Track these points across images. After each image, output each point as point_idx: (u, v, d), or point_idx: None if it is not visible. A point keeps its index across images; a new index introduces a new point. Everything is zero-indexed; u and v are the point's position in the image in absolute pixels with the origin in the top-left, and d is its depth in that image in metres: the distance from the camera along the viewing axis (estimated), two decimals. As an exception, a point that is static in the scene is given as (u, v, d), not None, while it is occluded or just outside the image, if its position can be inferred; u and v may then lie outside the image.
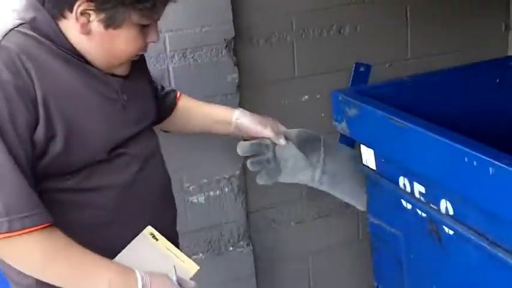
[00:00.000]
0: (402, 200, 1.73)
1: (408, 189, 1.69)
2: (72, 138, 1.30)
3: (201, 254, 2.30)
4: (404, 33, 2.48)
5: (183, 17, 2.07)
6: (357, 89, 1.92)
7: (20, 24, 1.31)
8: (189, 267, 1.50)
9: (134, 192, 1.44)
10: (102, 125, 1.37)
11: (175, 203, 1.68)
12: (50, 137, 1.28)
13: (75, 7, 1.29)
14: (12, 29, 1.29)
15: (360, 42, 2.40)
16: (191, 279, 1.48)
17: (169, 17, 2.01)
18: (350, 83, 2.02)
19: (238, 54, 2.20)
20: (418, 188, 1.65)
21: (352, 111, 1.76)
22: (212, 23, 2.11)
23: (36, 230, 1.22)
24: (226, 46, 2.15)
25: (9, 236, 1.20)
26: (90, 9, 1.30)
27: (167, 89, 1.82)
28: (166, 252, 1.48)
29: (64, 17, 1.32)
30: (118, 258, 1.40)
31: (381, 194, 1.83)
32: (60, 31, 1.33)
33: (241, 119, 1.77)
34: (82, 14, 1.30)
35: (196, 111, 1.81)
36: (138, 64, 1.54)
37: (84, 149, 1.33)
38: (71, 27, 1.32)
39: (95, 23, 1.32)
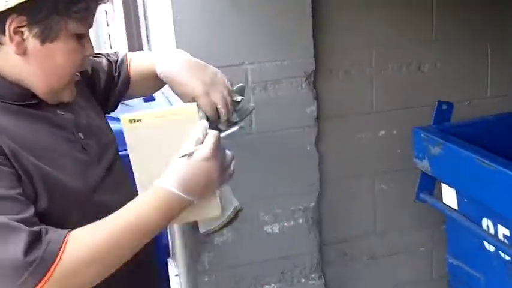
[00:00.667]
0: (485, 242, 1.70)
1: (492, 231, 1.66)
2: (51, 190, 1.21)
3: (273, 284, 2.31)
4: (484, 71, 2.45)
5: (265, 50, 2.11)
6: (440, 127, 1.91)
7: None
8: (189, 112, 1.25)
9: None
10: (73, 174, 1.27)
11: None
12: (34, 193, 1.19)
13: (6, 26, 1.19)
14: None
15: (439, 79, 2.38)
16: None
17: (252, 49, 2.08)
18: (432, 121, 2.00)
19: (317, 86, 2.23)
20: (502, 231, 1.62)
21: (435, 150, 1.75)
22: (293, 56, 2.14)
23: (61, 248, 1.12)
24: (306, 79, 2.18)
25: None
26: (23, 25, 1.20)
27: (116, 65, 1.65)
28: (162, 123, 1.23)
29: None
30: (137, 174, 1.25)
31: (461, 234, 1.80)
32: (2, 79, 1.24)
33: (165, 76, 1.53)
34: (15, 32, 1.20)
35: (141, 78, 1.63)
36: (79, 91, 1.43)
37: (65, 201, 1.23)
38: (7, 54, 1.22)
39: (30, 40, 1.21)
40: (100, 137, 1.41)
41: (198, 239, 2.20)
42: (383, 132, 2.37)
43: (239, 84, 1.55)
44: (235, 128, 1.40)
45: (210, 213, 1.30)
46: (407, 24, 2.29)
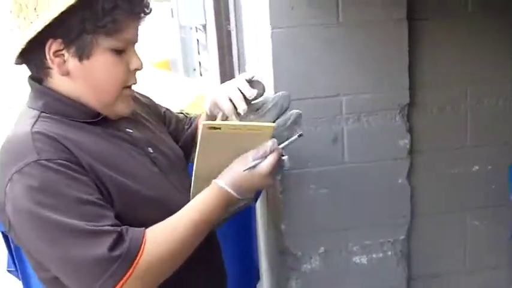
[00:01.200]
0: None
1: None
2: (122, 197, 1.33)
3: (359, 315, 2.31)
4: None
5: (360, 82, 2.14)
6: (538, 164, 1.87)
7: (37, 115, 1.35)
8: (264, 131, 1.38)
9: None
10: (145, 184, 1.39)
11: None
12: (110, 199, 1.31)
13: (46, 51, 1.30)
14: (36, 121, 1.33)
15: (537, 115, 2.34)
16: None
17: (347, 81, 2.12)
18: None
19: (411, 119, 2.23)
20: None
21: (534, 187, 1.72)
22: (388, 89, 2.17)
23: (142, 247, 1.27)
24: (400, 112, 2.19)
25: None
26: (62, 48, 1.31)
27: (185, 120, 1.81)
28: (237, 133, 1.35)
29: (49, 71, 1.35)
30: (196, 167, 1.39)
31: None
32: (67, 98, 1.36)
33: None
34: (56, 55, 1.31)
35: None
36: (144, 109, 1.60)
37: (138, 208, 1.36)
38: (57, 76, 1.35)
39: (70, 60, 1.32)
40: (166, 150, 1.53)
41: (285, 265, 2.24)
42: (477, 167, 2.34)
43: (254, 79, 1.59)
44: (295, 137, 1.47)
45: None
46: (503, 60, 2.27)
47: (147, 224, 1.32)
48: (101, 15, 1.29)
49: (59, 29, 1.28)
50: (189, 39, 6.73)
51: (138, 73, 1.46)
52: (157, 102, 1.78)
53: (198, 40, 5.43)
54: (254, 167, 1.37)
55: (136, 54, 1.40)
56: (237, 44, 3.59)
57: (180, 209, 1.37)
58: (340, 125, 2.16)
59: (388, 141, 2.20)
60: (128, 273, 1.23)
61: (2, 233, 1.95)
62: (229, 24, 3.64)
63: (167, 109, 1.80)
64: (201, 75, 5.36)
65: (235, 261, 2.07)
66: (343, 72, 2.13)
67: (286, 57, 2.08)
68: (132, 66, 1.39)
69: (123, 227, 1.27)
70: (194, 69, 7.29)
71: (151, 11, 1.43)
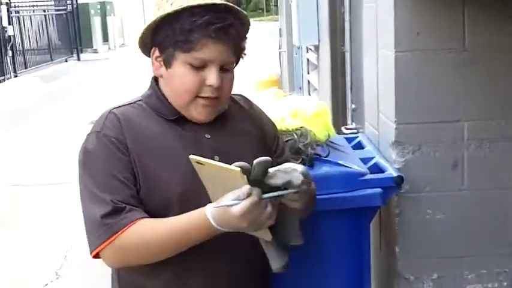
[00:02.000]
0: None
1: None
2: (149, 185, 1.56)
3: None
4: None
5: (483, 109, 2.12)
6: None
7: (137, 100, 1.66)
8: (233, 174, 1.42)
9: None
10: (180, 179, 1.57)
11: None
12: (138, 182, 1.56)
13: (151, 54, 1.62)
14: (127, 104, 1.65)
15: None
16: None
17: (470, 107, 2.11)
18: None
19: (534, 148, 2.18)
20: None
21: None
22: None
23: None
24: (524, 140, 2.14)
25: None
26: (159, 55, 1.60)
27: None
28: (215, 171, 1.45)
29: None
30: (210, 194, 1.48)
31: None
32: (164, 98, 1.62)
33: None
34: (156, 60, 1.61)
35: None
36: (249, 129, 1.69)
37: (160, 197, 1.57)
38: (160, 80, 1.65)
39: (162, 66, 1.60)
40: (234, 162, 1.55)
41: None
42: None
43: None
44: (286, 192, 1.47)
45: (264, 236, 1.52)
46: None
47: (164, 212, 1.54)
48: (179, 33, 1.53)
49: (156, 39, 1.58)
50: (298, 59, 6.81)
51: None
52: (273, 125, 1.82)
53: (307, 59, 5.50)
54: (230, 205, 1.42)
55: (214, 72, 1.55)
56: (351, 64, 3.62)
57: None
58: (460, 151, 2.14)
59: (510, 169, 2.16)
60: (107, 242, 1.50)
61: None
62: (343, 45, 3.68)
63: (280, 138, 1.86)
64: (309, 94, 5.42)
65: (344, 280, 2.09)
66: (466, 98, 2.11)
67: (409, 80, 2.10)
68: (208, 83, 1.56)
69: (129, 206, 1.52)
70: (300, 88, 7.38)
71: (235, 36, 1.56)
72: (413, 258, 2.21)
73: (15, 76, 14.51)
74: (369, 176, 2.01)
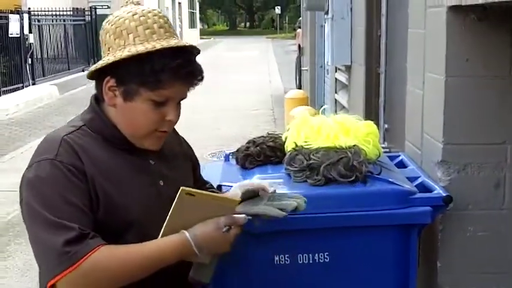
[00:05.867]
0: None
1: None
2: (108, 210, 1.57)
3: None
4: None
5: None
6: None
7: (81, 125, 1.65)
8: (230, 204, 1.60)
9: None
10: (136, 206, 1.61)
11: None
12: (96, 208, 1.55)
13: (104, 84, 1.60)
14: (74, 130, 1.63)
15: None
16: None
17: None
18: None
19: None
20: None
21: None
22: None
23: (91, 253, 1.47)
24: None
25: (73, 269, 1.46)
26: (114, 85, 1.59)
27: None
28: (207, 202, 1.58)
29: (103, 98, 1.63)
30: (167, 223, 1.55)
31: None
32: (109, 122, 1.64)
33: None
34: (109, 89, 1.60)
35: None
36: (182, 152, 1.82)
37: (117, 222, 1.58)
38: (108, 106, 1.64)
39: (118, 97, 1.60)
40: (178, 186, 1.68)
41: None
42: None
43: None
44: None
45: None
46: None
47: (120, 239, 1.57)
48: (148, 73, 1.55)
49: (116, 71, 1.59)
50: (321, 77, 6.96)
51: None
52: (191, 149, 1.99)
53: (336, 79, 5.63)
54: (227, 230, 1.59)
55: (174, 108, 1.64)
56: (385, 85, 3.74)
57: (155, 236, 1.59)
58: (503, 172, 2.25)
59: None
60: (69, 269, 1.45)
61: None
62: (378, 66, 3.80)
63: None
64: (335, 113, 5.53)
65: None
66: (510, 121, 2.22)
67: (457, 103, 2.22)
68: (167, 118, 1.64)
69: (93, 233, 1.51)
70: (321, 106, 7.49)
71: (203, 78, 1.67)
72: (454, 274, 2.31)
73: (33, 84, 14.71)
74: (419, 195, 2.11)
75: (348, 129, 2.24)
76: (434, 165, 2.30)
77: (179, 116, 1.67)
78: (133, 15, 1.60)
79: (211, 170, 2.54)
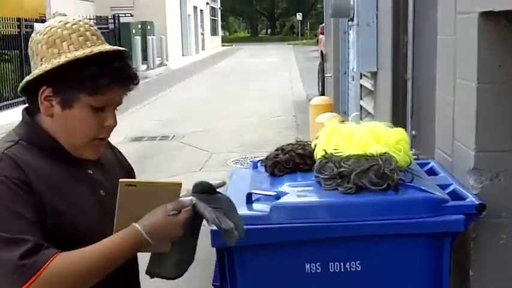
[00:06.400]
0: None
1: None
2: (56, 222, 1.54)
3: None
4: None
5: None
6: None
7: (17, 140, 1.60)
8: (174, 187, 1.57)
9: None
10: (81, 216, 1.60)
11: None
12: (44, 220, 1.52)
13: (39, 94, 1.57)
14: (12, 145, 1.58)
15: None
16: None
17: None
18: None
19: None
20: None
21: None
22: None
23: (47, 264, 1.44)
24: None
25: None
26: (50, 95, 1.57)
27: None
28: (150, 190, 1.56)
29: (38, 109, 1.60)
30: (117, 220, 1.55)
31: None
32: (45, 133, 1.61)
33: None
34: (45, 99, 1.57)
35: None
36: (117, 160, 1.81)
37: (66, 233, 1.56)
38: (43, 117, 1.61)
39: (55, 106, 1.58)
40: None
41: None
42: None
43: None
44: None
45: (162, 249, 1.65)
46: None
47: (70, 249, 1.52)
48: (87, 78, 1.55)
49: (52, 80, 1.57)
50: (345, 84, 6.94)
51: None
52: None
53: (361, 85, 5.62)
54: (175, 214, 1.56)
55: (112, 113, 1.64)
56: (412, 92, 3.72)
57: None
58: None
59: None
60: (28, 283, 1.42)
61: (217, 248, 2.19)
62: (405, 72, 3.78)
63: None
64: (361, 119, 5.51)
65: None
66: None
67: (490, 110, 2.19)
68: (106, 123, 1.63)
69: (46, 243, 1.48)
70: (345, 113, 7.49)
71: (138, 82, 1.66)
72: (486, 282, 2.28)
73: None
74: (452, 203, 2.09)
75: (379, 137, 2.23)
76: (466, 172, 2.28)
77: (116, 121, 1.67)
78: (64, 24, 1.61)
79: (240, 178, 2.54)
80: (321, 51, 13.58)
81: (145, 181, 1.62)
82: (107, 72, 1.56)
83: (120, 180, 1.56)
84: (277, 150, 2.45)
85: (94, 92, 1.56)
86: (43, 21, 15.46)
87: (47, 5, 19.18)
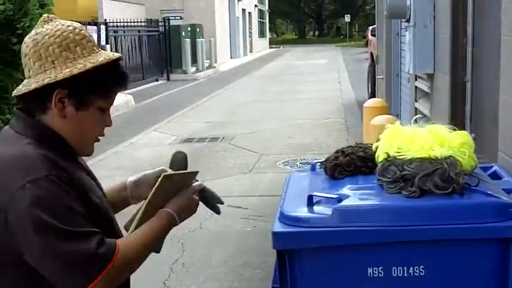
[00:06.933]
0: None
1: None
2: (96, 215, 1.64)
3: None
4: None
5: None
6: None
7: (31, 142, 1.63)
8: (191, 175, 1.81)
9: None
10: (104, 205, 1.74)
11: None
12: (87, 213, 1.61)
13: (53, 96, 1.62)
14: (36, 145, 1.62)
15: None
16: None
17: None
18: None
19: None
20: None
21: None
22: None
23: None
24: None
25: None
26: (64, 97, 1.63)
27: None
28: (177, 179, 1.77)
29: (47, 109, 1.65)
30: (146, 206, 1.71)
31: None
32: (54, 132, 1.66)
33: (134, 179, 1.93)
34: (59, 101, 1.63)
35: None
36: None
37: (103, 225, 1.65)
38: (53, 116, 1.66)
39: (69, 107, 1.64)
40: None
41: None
42: None
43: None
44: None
45: None
46: None
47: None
48: (104, 83, 1.66)
49: (69, 83, 1.62)
50: (397, 86, 6.86)
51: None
52: None
53: (416, 87, 5.53)
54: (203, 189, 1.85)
55: (109, 115, 1.75)
56: (471, 94, 3.64)
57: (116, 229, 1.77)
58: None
59: None
60: (105, 270, 1.54)
61: (278, 250, 2.18)
62: (464, 74, 3.70)
63: None
64: (416, 122, 5.45)
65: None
66: None
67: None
68: (107, 124, 1.75)
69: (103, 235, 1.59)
70: (397, 115, 7.40)
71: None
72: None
73: (110, 93, 15.14)
74: (519, 207, 2.04)
75: (443, 140, 2.19)
76: (533, 176, 2.21)
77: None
78: (74, 28, 1.68)
79: (298, 180, 2.54)
80: (371, 53, 13.45)
81: (177, 173, 1.82)
82: (117, 77, 1.70)
83: (164, 174, 1.73)
84: (337, 152, 2.44)
85: (107, 95, 1.68)
86: (95, 24, 15.80)
87: (98, 9, 19.56)
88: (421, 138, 2.19)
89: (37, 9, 8.22)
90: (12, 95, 1.72)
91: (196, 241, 5.09)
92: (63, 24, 1.68)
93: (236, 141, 9.24)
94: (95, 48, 1.69)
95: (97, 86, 1.66)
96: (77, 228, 1.54)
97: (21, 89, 1.67)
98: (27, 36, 1.68)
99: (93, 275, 1.53)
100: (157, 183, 1.71)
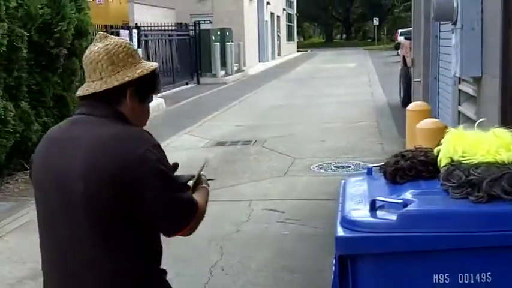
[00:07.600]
0: None
1: None
2: None
3: None
4: None
5: None
6: None
7: (114, 119, 2.03)
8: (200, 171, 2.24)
9: None
10: None
11: None
12: None
13: (127, 92, 2.02)
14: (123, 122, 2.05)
15: None
16: None
17: None
18: None
19: None
20: None
21: None
22: None
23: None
24: None
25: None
26: (133, 92, 2.02)
27: None
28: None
29: (120, 101, 2.03)
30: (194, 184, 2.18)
31: None
32: (125, 116, 2.05)
33: None
34: (131, 95, 2.02)
35: None
36: None
37: None
38: (126, 106, 2.04)
39: (135, 100, 2.04)
40: None
41: None
42: None
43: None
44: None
45: None
46: None
47: None
48: (158, 82, 2.11)
49: (137, 82, 2.02)
50: (435, 89, 6.77)
51: None
52: None
53: (459, 90, 5.45)
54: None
55: None
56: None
57: None
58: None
59: None
60: (197, 214, 2.02)
61: (340, 256, 2.15)
62: (515, 78, 3.63)
63: None
64: (458, 124, 5.37)
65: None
66: None
67: None
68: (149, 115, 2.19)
69: None
70: (435, 117, 7.30)
71: None
72: None
73: (142, 97, 15.23)
74: None
75: (509, 144, 2.14)
76: None
77: None
78: (127, 42, 2.10)
79: (355, 184, 2.50)
80: (403, 56, 13.33)
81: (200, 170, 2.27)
82: (157, 80, 2.12)
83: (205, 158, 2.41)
84: (396, 156, 2.40)
85: (156, 92, 2.13)
86: (128, 28, 15.94)
87: (130, 13, 19.73)
88: (487, 143, 2.14)
89: (74, 14, 8.30)
90: (91, 91, 2.04)
91: (235, 245, 5.07)
92: (119, 39, 2.11)
93: (269, 145, 9.20)
94: (140, 56, 2.14)
95: (152, 85, 2.10)
96: (178, 181, 2.05)
97: (94, 87, 2.04)
98: (93, 48, 2.06)
99: (192, 218, 2.01)
100: (201, 168, 2.24)
